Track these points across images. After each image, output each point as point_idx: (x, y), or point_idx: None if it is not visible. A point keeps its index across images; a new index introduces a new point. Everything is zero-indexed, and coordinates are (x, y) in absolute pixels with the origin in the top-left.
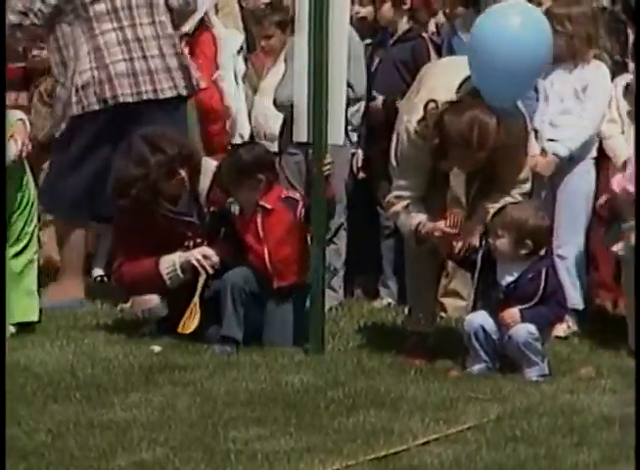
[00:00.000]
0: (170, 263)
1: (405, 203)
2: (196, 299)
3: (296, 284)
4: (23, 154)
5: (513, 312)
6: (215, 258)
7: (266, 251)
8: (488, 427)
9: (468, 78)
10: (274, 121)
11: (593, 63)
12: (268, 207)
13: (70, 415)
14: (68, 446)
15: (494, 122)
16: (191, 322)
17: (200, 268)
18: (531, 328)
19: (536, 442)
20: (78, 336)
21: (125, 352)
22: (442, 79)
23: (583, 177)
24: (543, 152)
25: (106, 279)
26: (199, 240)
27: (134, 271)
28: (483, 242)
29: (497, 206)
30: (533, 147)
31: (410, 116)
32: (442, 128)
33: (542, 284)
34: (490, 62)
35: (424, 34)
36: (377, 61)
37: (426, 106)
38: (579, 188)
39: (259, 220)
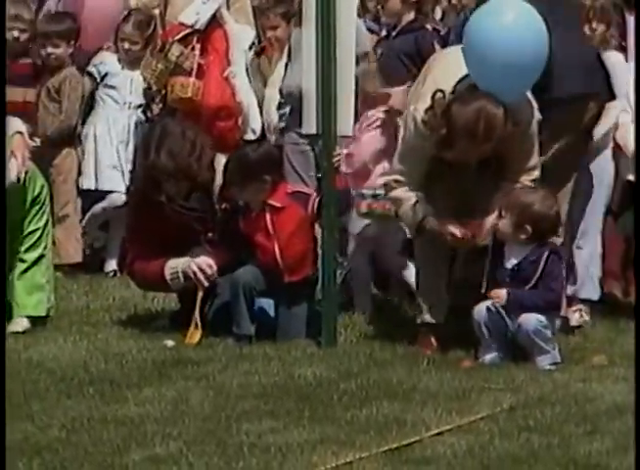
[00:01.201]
0: (174, 268)
1: (406, 189)
2: (196, 314)
3: (306, 278)
4: (22, 173)
5: (500, 291)
6: (213, 270)
7: (277, 248)
8: (501, 417)
9: None
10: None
11: (610, 51)
12: (277, 205)
13: (84, 410)
14: (81, 441)
15: (501, 113)
16: (194, 336)
17: (195, 281)
18: (540, 316)
19: (549, 431)
20: (91, 331)
21: (138, 346)
22: (449, 69)
23: (604, 168)
24: None
25: (119, 274)
26: (210, 235)
27: (144, 269)
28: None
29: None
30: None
31: (417, 104)
32: (449, 119)
33: (540, 269)
34: (486, 62)
35: (427, 26)
36: (379, 53)
37: (433, 95)
38: (600, 178)
39: (269, 218)
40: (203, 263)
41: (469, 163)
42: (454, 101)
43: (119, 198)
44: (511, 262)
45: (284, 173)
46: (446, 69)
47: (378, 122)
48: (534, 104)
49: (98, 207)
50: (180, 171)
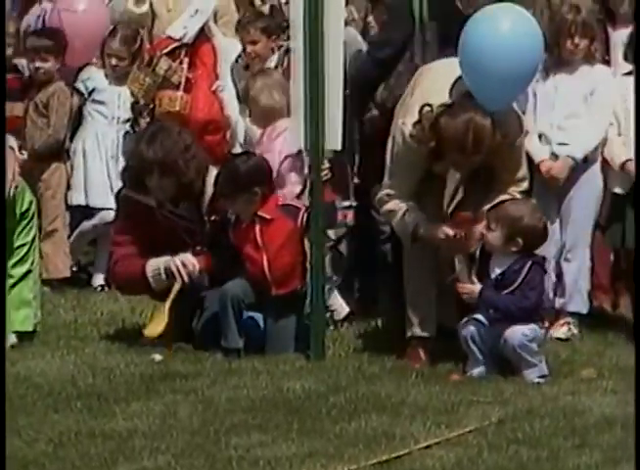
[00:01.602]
0: (155, 266)
1: (398, 201)
2: (167, 304)
3: (294, 291)
4: (11, 188)
5: (472, 286)
6: (195, 268)
7: (265, 260)
8: (490, 430)
9: (461, 79)
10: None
11: (598, 65)
12: (267, 217)
13: (72, 425)
14: (69, 455)
15: (489, 125)
16: (157, 326)
17: (176, 274)
18: (525, 330)
19: (538, 444)
20: (79, 345)
21: (126, 361)
22: (437, 82)
23: (592, 181)
24: (553, 156)
25: (107, 288)
26: (198, 248)
27: (126, 270)
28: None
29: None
30: (542, 151)
31: (405, 118)
32: (438, 131)
33: (521, 277)
34: (482, 67)
35: None
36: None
37: (421, 109)
38: (589, 192)
39: (258, 230)
40: (186, 260)
41: (460, 174)
42: (442, 114)
43: (109, 215)
44: (495, 272)
45: (274, 186)
46: (434, 82)
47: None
48: (521, 115)
49: (88, 224)
50: (165, 165)
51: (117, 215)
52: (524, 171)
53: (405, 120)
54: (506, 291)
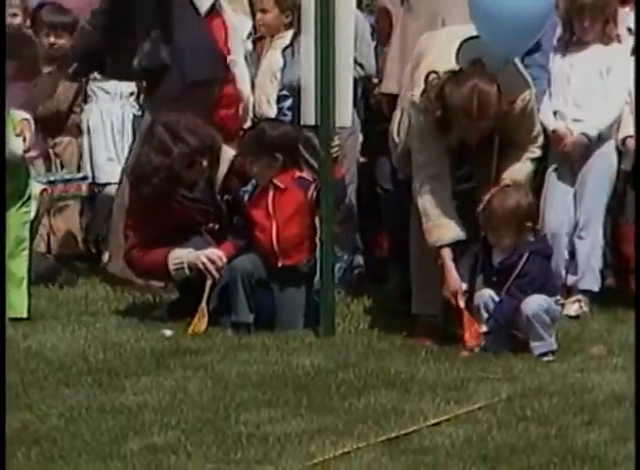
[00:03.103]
0: (179, 258)
1: (435, 202)
2: (203, 304)
3: (300, 264)
4: (28, 153)
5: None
6: (222, 261)
7: (274, 228)
8: (499, 407)
9: (466, 45)
10: (269, 103)
11: (614, 44)
12: (281, 185)
13: (82, 400)
14: (80, 430)
15: (495, 90)
16: (200, 325)
17: (205, 272)
18: (540, 300)
19: (547, 421)
20: (90, 321)
21: (137, 336)
22: (442, 51)
23: (607, 159)
24: (568, 131)
25: None
26: (212, 225)
27: (145, 257)
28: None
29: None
30: (559, 126)
31: (414, 90)
32: (443, 100)
33: (516, 272)
34: (494, 11)
35: None
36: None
37: (427, 77)
38: (603, 170)
39: (271, 198)
40: (212, 255)
41: (470, 142)
42: (447, 82)
43: (113, 190)
44: (496, 262)
45: (297, 158)
46: (438, 51)
47: None
48: (529, 78)
49: (100, 201)
50: (208, 142)
51: (131, 201)
52: (538, 129)
53: (414, 92)
54: (505, 286)
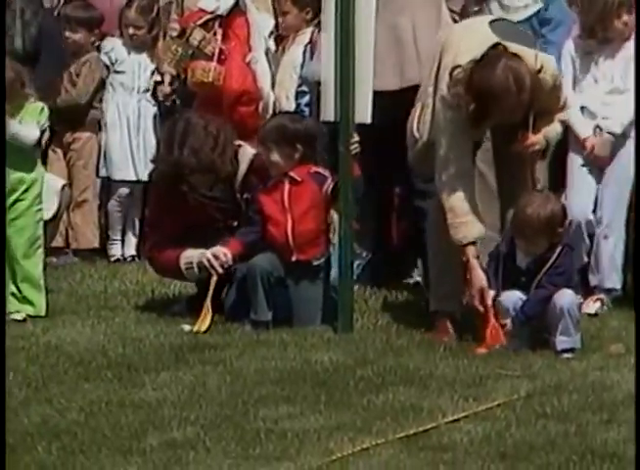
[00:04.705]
0: (189, 259)
1: (462, 196)
2: (207, 301)
3: (314, 259)
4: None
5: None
6: (227, 257)
7: (289, 221)
8: (518, 404)
9: (482, 34)
10: (288, 99)
11: (630, 41)
12: (297, 178)
13: (102, 394)
14: (100, 424)
15: (524, 64)
16: (203, 324)
17: (210, 269)
18: (574, 295)
19: (566, 419)
20: (109, 316)
21: (156, 331)
22: (462, 44)
23: (629, 157)
24: (598, 129)
25: (137, 259)
26: (231, 223)
27: (162, 256)
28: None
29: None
30: (585, 127)
31: (440, 85)
32: (476, 89)
33: (550, 263)
34: None
35: None
36: None
37: (451, 73)
38: (626, 168)
39: (286, 190)
40: (217, 252)
41: (514, 122)
42: (474, 70)
43: (124, 191)
44: (524, 261)
45: (316, 154)
46: (460, 43)
47: None
48: (548, 54)
49: (112, 202)
50: (204, 167)
51: (151, 200)
52: (564, 98)
53: (441, 86)
54: (537, 278)
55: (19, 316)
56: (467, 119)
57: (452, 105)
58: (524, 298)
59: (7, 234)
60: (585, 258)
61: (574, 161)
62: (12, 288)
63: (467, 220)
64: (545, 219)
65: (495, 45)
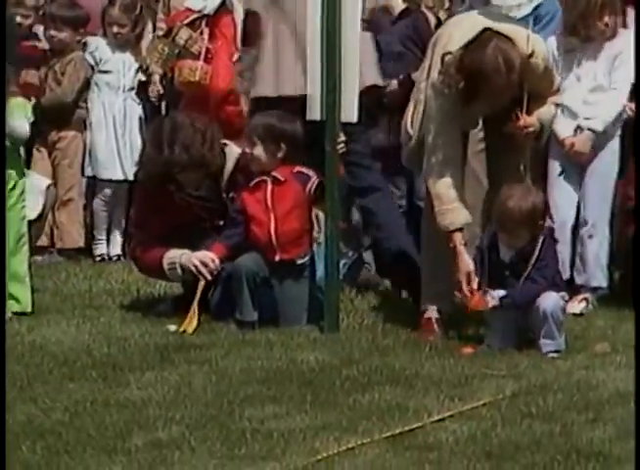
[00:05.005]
0: (172, 260)
1: (449, 182)
2: (194, 304)
3: (297, 258)
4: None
5: (486, 300)
6: (215, 263)
7: (273, 221)
8: (504, 403)
9: (471, 22)
10: None
11: (620, 33)
12: (280, 178)
13: (87, 394)
14: (84, 424)
15: (513, 45)
16: (189, 326)
17: (197, 274)
18: (558, 297)
19: (552, 418)
20: (94, 315)
21: (141, 330)
22: (451, 34)
23: (612, 155)
24: (578, 129)
25: (122, 258)
26: (217, 222)
27: (146, 255)
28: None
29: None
30: (565, 127)
31: (433, 74)
32: (466, 69)
33: (535, 256)
34: None
35: (422, 9)
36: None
37: (442, 59)
38: (609, 166)
39: (269, 190)
40: (204, 257)
41: (502, 103)
42: (464, 53)
43: (109, 192)
44: (507, 254)
45: (301, 155)
46: (449, 34)
47: None
48: (540, 38)
49: (97, 201)
50: (195, 162)
51: (136, 199)
52: (557, 82)
53: (432, 75)
54: (524, 273)
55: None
56: (456, 102)
57: (442, 90)
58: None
59: None
60: (567, 258)
61: (554, 164)
62: None
63: (453, 207)
64: (527, 212)
65: (486, 30)
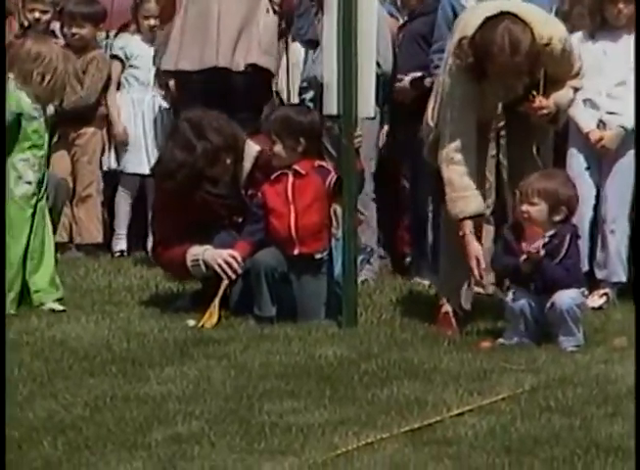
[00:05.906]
0: (195, 256)
1: (463, 170)
2: (216, 301)
3: (316, 253)
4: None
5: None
6: (238, 264)
7: (293, 214)
8: (523, 398)
9: (488, 6)
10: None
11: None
12: (301, 171)
13: (107, 389)
14: (105, 419)
15: (525, 27)
16: (208, 322)
17: (221, 273)
18: (573, 294)
19: (571, 412)
20: (113, 311)
21: (160, 326)
22: (468, 19)
23: (633, 151)
24: (601, 124)
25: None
26: (236, 220)
27: (168, 253)
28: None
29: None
30: (589, 119)
31: (450, 60)
32: (476, 47)
33: (564, 248)
34: None
35: None
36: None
37: (459, 43)
38: (630, 162)
39: (290, 183)
40: (228, 257)
41: (512, 87)
42: (477, 32)
43: (135, 186)
44: (532, 247)
45: (319, 149)
46: (467, 19)
47: None
48: (560, 23)
49: (120, 197)
50: (229, 143)
51: (156, 197)
52: (578, 65)
53: (449, 61)
54: (557, 258)
55: (57, 306)
56: (470, 88)
57: (456, 75)
58: (532, 302)
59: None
60: (586, 252)
61: (577, 157)
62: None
63: (465, 195)
64: (552, 189)
65: (502, 12)
